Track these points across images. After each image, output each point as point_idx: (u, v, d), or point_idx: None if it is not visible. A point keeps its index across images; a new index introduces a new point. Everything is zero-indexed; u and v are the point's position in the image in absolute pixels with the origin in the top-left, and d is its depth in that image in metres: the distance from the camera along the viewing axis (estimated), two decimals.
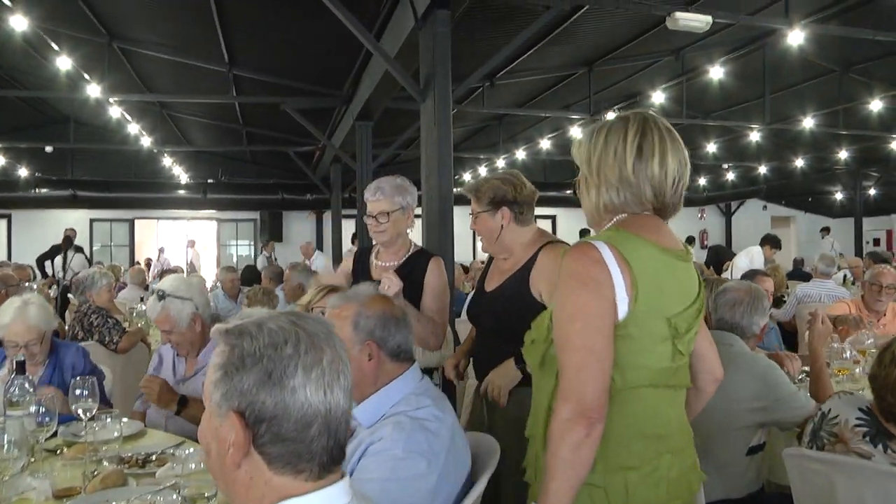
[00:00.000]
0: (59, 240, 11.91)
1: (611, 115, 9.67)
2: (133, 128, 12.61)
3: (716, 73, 9.61)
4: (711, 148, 15.51)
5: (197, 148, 16.32)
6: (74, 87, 10.19)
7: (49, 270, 12.65)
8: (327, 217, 18.42)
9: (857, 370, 3.70)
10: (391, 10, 6.11)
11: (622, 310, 1.59)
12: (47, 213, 16.93)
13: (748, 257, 9.59)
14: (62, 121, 13.81)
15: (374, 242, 3.24)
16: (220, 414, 1.12)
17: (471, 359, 3.03)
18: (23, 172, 16.08)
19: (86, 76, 9.62)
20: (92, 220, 18.29)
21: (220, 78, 9.66)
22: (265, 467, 1.12)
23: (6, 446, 2.04)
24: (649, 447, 1.66)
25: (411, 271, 3.08)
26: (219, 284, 8.06)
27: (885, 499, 2.14)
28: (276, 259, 14.43)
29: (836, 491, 2.25)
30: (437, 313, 3.07)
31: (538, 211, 2.98)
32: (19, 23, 7.29)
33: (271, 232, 18.50)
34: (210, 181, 17.96)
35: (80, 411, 2.51)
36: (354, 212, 12.16)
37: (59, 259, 11.65)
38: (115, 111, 11.19)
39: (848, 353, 3.70)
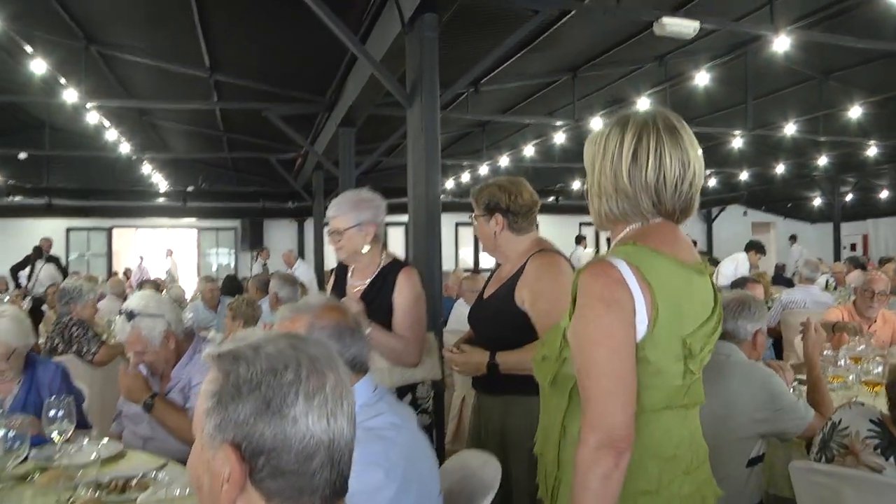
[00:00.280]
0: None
1: (597, 122, 9.73)
2: (111, 134, 12.40)
3: (699, 79, 9.61)
4: None
5: (177, 155, 16.09)
6: (50, 91, 9.98)
7: (23, 281, 12.42)
8: (308, 225, 18.30)
9: (851, 377, 3.67)
10: (377, 14, 6.03)
11: (640, 331, 1.53)
12: (21, 222, 16.60)
13: (734, 264, 9.61)
14: (37, 126, 13.53)
15: None
16: (214, 446, 1.02)
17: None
18: None
19: (62, 80, 9.43)
20: (68, 229, 18.00)
21: (201, 83, 9.52)
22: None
23: None
24: (665, 469, 1.60)
25: (379, 291, 3.01)
26: (199, 295, 7.93)
27: None
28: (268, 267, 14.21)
29: None
30: (408, 329, 2.97)
31: None
32: None
33: (252, 240, 18.36)
34: (190, 189, 17.78)
35: (54, 434, 2.37)
36: None
37: (27, 270, 11.45)
38: (92, 117, 11.00)
39: (842, 360, 3.68)
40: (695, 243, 17.26)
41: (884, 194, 20.45)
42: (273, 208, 18.30)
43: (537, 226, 2.91)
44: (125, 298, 8.61)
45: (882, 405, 2.41)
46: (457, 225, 19.89)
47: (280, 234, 19.00)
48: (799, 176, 18.87)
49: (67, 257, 17.40)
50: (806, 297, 7.25)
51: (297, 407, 1.02)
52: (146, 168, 15.90)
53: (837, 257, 18.09)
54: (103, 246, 18.83)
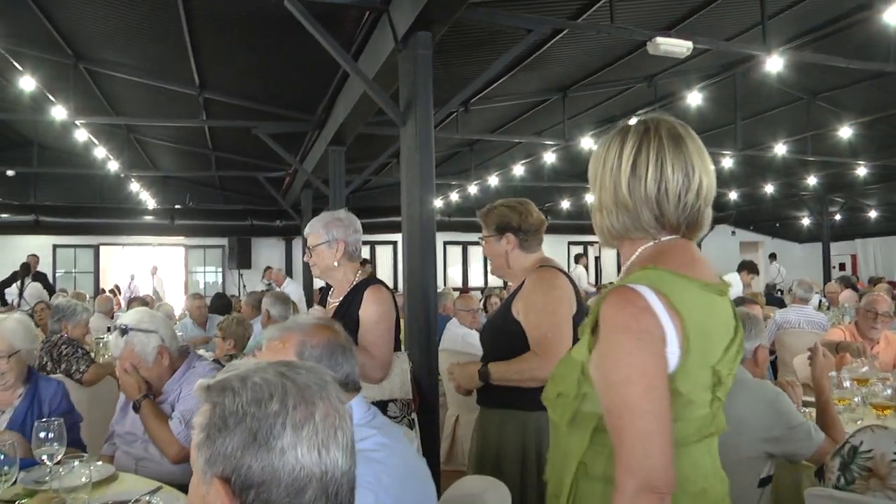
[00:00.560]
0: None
1: (587, 141, 9.69)
2: (99, 152, 12.32)
3: (691, 99, 9.65)
4: None
5: (165, 173, 16.03)
6: (39, 108, 9.92)
7: (9, 298, 12.28)
8: (296, 244, 18.23)
9: (856, 399, 3.63)
10: (369, 32, 6.01)
11: (671, 363, 1.41)
12: (8, 240, 16.46)
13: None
14: (25, 144, 13.48)
15: None
16: (206, 481, 0.99)
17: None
18: None
19: (51, 98, 9.37)
20: (55, 246, 17.84)
21: (190, 101, 9.47)
22: None
23: None
24: None
25: (348, 307, 3.10)
26: (186, 313, 7.85)
27: None
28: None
29: None
30: (371, 344, 3.02)
31: None
32: None
33: (240, 259, 18.27)
34: (178, 207, 17.70)
35: (44, 457, 2.29)
36: None
37: (14, 287, 11.31)
38: (80, 134, 10.93)
39: (847, 382, 3.63)
40: None
41: (872, 214, 20.61)
42: (261, 227, 18.24)
43: None
44: (113, 316, 8.54)
45: (893, 425, 2.39)
46: (445, 244, 19.88)
47: (268, 253, 18.91)
48: (788, 196, 18.98)
49: (54, 274, 17.25)
50: (800, 317, 7.24)
51: (285, 438, 0.98)
52: (134, 186, 15.83)
53: (828, 277, 18.17)
54: (90, 263, 18.68)
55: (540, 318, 2.71)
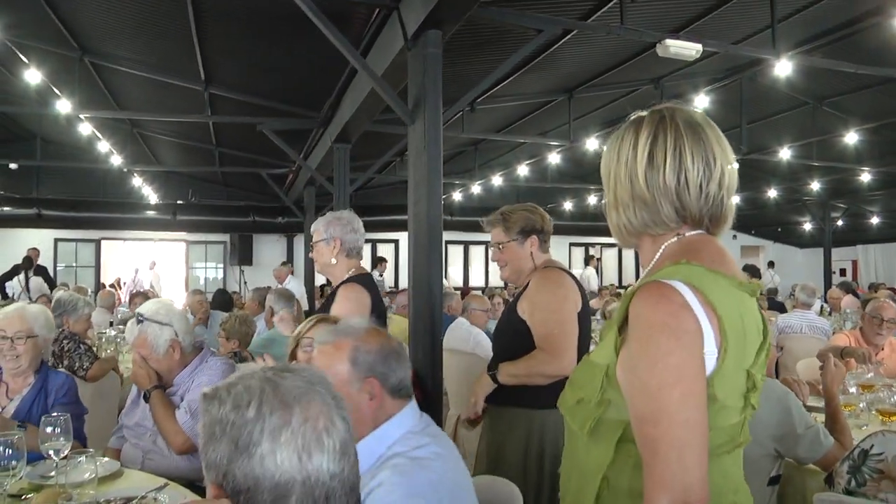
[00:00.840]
0: (20, 260, 11.55)
1: (592, 142, 9.65)
2: (102, 146, 12.30)
3: (697, 102, 9.61)
4: None
5: (168, 168, 16.02)
6: (43, 102, 9.90)
7: (10, 291, 12.26)
8: (298, 241, 18.20)
9: (861, 405, 3.61)
10: (378, 29, 5.98)
11: (709, 366, 1.30)
12: (10, 233, 16.45)
13: None
14: (28, 138, 13.45)
15: None
16: (208, 486, 1.03)
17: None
18: None
19: (56, 91, 9.35)
20: (56, 240, 17.84)
21: (195, 96, 9.44)
22: None
23: None
24: None
25: (328, 303, 3.25)
26: (188, 309, 7.81)
27: None
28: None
29: None
30: None
31: None
32: None
33: (241, 255, 18.25)
34: (180, 202, 17.67)
35: (50, 452, 2.28)
36: None
37: (16, 281, 11.28)
38: (84, 128, 10.90)
39: (853, 388, 3.62)
40: None
41: (874, 220, 20.59)
42: (263, 223, 18.21)
43: None
44: (114, 311, 8.52)
45: None
46: (447, 243, 19.86)
47: (269, 250, 18.89)
48: (790, 200, 18.96)
49: (55, 268, 17.25)
50: (802, 322, 7.23)
51: (264, 445, 0.99)
52: (136, 180, 15.81)
53: (828, 283, 18.15)
54: (91, 258, 18.66)
55: (546, 316, 2.79)
